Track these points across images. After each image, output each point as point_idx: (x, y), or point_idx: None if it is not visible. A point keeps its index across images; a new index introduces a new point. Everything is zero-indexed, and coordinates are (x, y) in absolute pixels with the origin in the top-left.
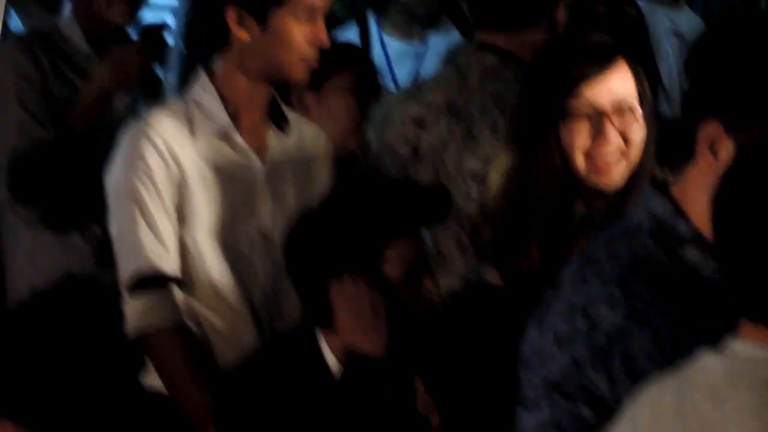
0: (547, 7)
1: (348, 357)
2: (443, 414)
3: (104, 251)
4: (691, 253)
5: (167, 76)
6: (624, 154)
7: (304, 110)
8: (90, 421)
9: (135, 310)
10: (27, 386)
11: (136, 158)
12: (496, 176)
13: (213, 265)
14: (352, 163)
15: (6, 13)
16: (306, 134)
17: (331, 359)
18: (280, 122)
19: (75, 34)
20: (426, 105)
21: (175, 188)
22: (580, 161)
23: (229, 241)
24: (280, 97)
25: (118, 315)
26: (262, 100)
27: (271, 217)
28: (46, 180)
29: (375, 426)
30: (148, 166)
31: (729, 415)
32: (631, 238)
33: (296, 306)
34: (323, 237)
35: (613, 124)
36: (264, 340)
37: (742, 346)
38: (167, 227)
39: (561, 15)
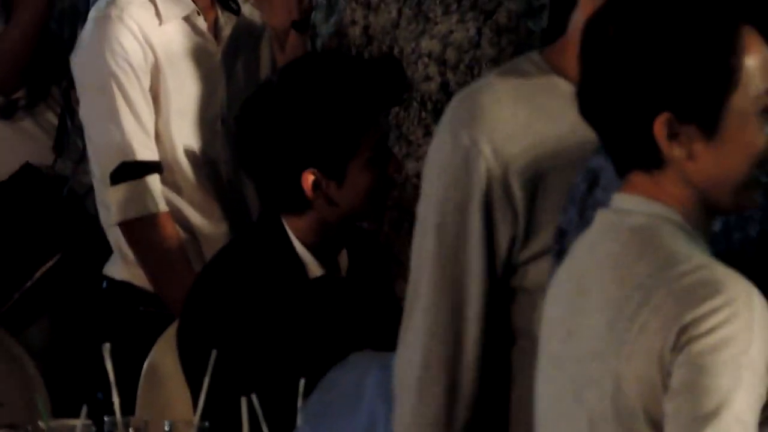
0: None
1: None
2: None
3: (60, 140)
4: None
5: None
6: None
7: None
8: (55, 309)
9: (119, 198)
10: None
11: (114, 44)
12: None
13: (184, 151)
14: None
15: None
16: (248, 14)
17: (299, 245)
18: (227, 2)
19: None
20: None
21: (150, 74)
22: None
23: (195, 127)
24: None
25: (77, 205)
26: None
27: (227, 101)
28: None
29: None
30: (125, 51)
31: (598, 261)
32: None
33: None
34: (294, 119)
35: None
36: (233, 228)
37: (620, 198)
38: (147, 114)
39: None
